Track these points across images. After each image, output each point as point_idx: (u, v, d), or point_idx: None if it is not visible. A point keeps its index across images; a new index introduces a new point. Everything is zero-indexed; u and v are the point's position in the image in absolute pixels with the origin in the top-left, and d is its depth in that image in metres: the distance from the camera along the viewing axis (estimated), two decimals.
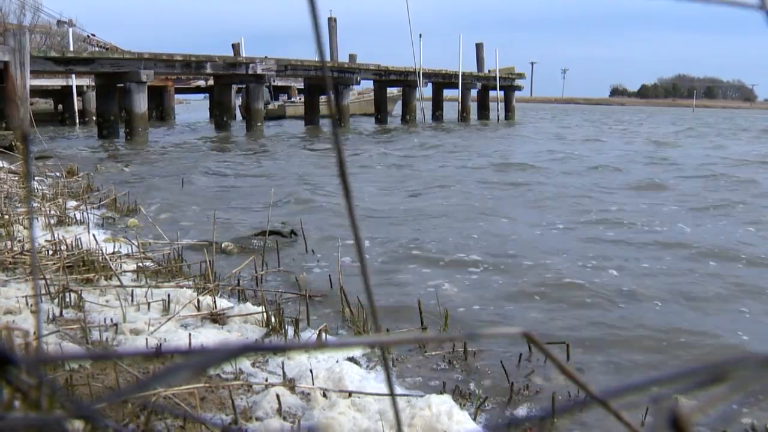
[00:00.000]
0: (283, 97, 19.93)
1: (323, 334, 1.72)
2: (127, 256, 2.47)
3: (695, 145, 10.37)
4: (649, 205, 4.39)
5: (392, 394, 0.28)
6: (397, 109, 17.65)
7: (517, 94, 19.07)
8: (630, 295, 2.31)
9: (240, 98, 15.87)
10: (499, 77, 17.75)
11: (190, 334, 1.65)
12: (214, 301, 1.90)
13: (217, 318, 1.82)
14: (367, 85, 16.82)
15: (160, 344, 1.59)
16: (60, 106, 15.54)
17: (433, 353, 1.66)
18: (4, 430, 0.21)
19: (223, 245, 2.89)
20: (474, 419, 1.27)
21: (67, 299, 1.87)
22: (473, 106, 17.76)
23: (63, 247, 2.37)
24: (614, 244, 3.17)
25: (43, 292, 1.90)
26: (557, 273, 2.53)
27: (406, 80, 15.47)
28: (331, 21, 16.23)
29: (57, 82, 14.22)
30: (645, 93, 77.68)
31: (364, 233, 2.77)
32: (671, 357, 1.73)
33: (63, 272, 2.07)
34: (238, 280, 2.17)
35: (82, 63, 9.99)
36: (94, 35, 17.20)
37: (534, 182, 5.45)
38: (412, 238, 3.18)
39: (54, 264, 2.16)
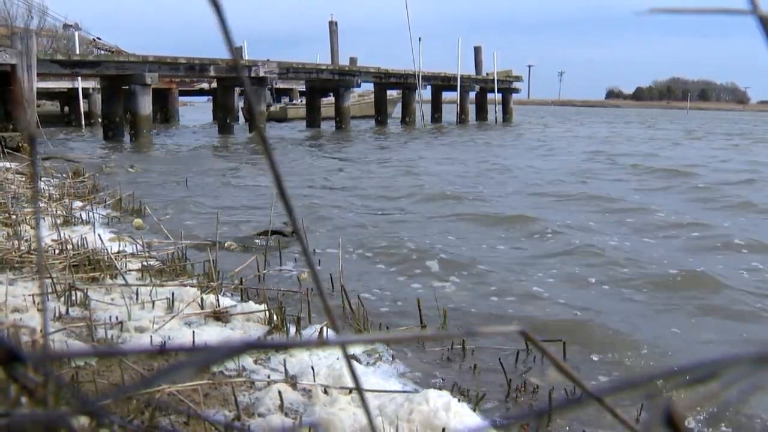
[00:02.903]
0: (285, 99, 20.02)
1: (324, 332, 1.74)
2: (132, 255, 2.50)
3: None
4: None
5: (359, 389, 0.28)
6: (396, 111, 17.73)
7: (514, 96, 19.18)
8: (628, 294, 2.31)
9: (242, 100, 15.94)
10: (497, 80, 17.87)
11: (193, 332, 1.68)
12: (217, 300, 1.92)
13: (220, 316, 1.84)
14: (368, 87, 16.92)
15: (165, 342, 1.61)
16: (66, 108, 15.69)
17: (433, 350, 1.68)
18: (12, 427, 0.22)
19: (226, 244, 2.92)
20: (472, 415, 1.29)
21: (73, 297, 1.90)
22: (472, 108, 17.86)
23: (69, 247, 2.40)
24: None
25: (49, 290, 1.92)
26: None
27: (405, 83, 15.59)
28: (332, 24, 16.31)
29: (63, 85, 14.35)
30: (640, 95, 77.89)
31: None
32: (667, 354, 1.74)
33: (69, 271, 2.10)
34: (241, 279, 2.20)
35: (88, 66, 10.09)
36: (99, 38, 17.35)
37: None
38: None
39: (60, 263, 2.19)
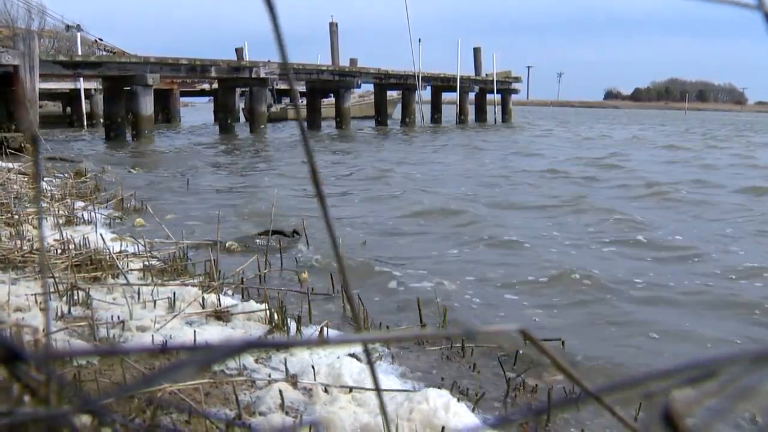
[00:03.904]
0: (285, 100, 20.07)
1: (325, 331, 1.75)
2: (134, 255, 2.51)
3: None
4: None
5: (378, 389, 0.29)
6: (396, 111, 17.78)
7: (513, 97, 19.28)
8: (627, 293, 2.32)
9: (243, 101, 15.99)
10: (497, 81, 17.93)
11: (195, 331, 1.68)
12: (219, 299, 1.93)
13: (221, 315, 1.85)
14: (368, 88, 16.96)
15: (166, 341, 1.62)
16: (68, 109, 15.74)
17: (432, 349, 1.69)
18: (14, 425, 0.23)
19: (227, 244, 2.93)
20: (471, 414, 1.29)
21: (75, 297, 1.91)
22: (471, 109, 17.93)
23: (71, 246, 2.41)
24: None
25: (51, 290, 1.93)
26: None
27: (405, 83, 15.65)
28: (333, 25, 16.35)
29: (65, 86, 14.40)
30: (638, 96, 78.00)
31: None
32: (664, 354, 1.74)
33: (71, 271, 2.11)
34: (242, 279, 2.20)
35: (90, 67, 10.14)
36: (101, 39, 17.41)
37: None
38: None
39: (62, 263, 2.20)
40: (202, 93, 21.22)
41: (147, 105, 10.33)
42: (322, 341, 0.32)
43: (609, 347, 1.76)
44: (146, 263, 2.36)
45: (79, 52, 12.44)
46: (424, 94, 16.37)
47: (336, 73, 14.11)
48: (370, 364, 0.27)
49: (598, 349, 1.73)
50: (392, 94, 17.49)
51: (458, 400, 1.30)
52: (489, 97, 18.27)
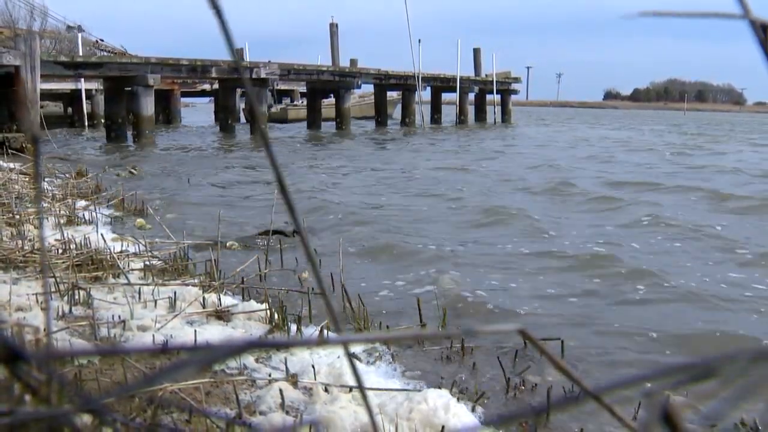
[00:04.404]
0: (286, 101, 20.09)
1: (325, 331, 1.75)
2: (135, 254, 2.52)
3: None
4: None
5: (361, 387, 0.28)
6: (396, 112, 17.79)
7: (513, 97, 19.32)
8: (624, 293, 2.32)
9: (244, 102, 16.02)
10: (496, 81, 17.93)
11: (195, 331, 1.69)
12: (219, 299, 1.93)
13: (221, 315, 1.86)
14: (368, 88, 16.98)
15: (167, 341, 1.62)
16: (69, 109, 15.77)
17: (432, 348, 1.69)
18: (15, 425, 0.22)
19: (227, 244, 2.94)
20: (471, 413, 1.29)
21: (76, 297, 1.92)
22: (471, 109, 17.95)
23: (72, 246, 2.42)
24: None
25: (52, 289, 1.94)
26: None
27: (405, 84, 15.64)
28: (333, 26, 16.37)
29: (66, 86, 14.42)
30: (637, 96, 78.10)
31: None
32: (664, 354, 1.74)
33: (72, 270, 2.11)
34: (243, 279, 2.21)
35: (91, 67, 10.15)
36: (102, 40, 17.43)
37: None
38: None
39: (63, 262, 2.21)
40: (203, 93, 21.25)
41: (148, 105, 10.34)
42: (322, 341, 0.32)
43: None
44: (147, 263, 2.36)
45: (80, 53, 12.46)
46: (424, 94, 16.40)
47: (336, 74, 14.13)
48: (351, 362, 0.27)
49: None
50: (392, 95, 17.51)
51: (458, 400, 1.30)
52: (489, 97, 18.30)
